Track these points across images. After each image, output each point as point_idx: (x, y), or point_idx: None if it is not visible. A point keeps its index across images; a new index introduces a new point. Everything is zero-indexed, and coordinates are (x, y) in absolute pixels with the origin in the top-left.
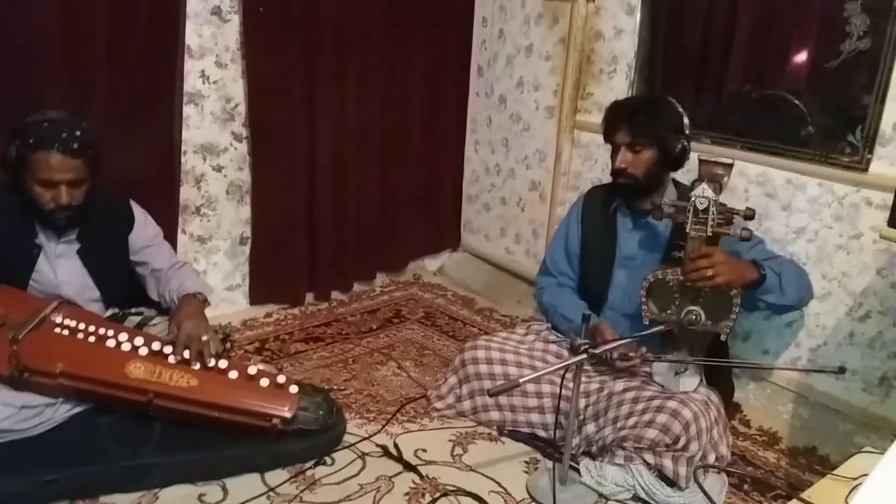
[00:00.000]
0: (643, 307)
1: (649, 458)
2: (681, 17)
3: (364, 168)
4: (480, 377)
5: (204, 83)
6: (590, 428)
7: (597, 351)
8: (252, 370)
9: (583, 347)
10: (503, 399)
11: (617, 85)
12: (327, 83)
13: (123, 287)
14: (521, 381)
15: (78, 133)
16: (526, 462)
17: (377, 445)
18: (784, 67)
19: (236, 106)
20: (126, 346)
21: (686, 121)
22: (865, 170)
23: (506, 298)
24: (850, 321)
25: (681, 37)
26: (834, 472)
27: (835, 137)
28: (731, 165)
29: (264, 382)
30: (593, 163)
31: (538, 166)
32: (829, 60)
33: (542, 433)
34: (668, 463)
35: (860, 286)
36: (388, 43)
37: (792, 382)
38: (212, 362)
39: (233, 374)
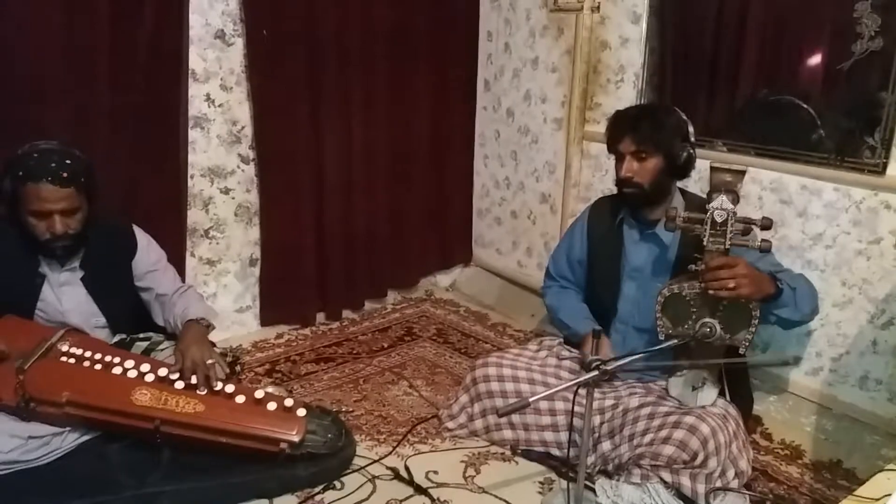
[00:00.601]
0: (658, 322)
1: (666, 476)
2: (690, 25)
3: (372, 185)
4: (492, 395)
5: (209, 106)
6: (605, 446)
7: (609, 368)
8: (259, 394)
9: (594, 364)
10: (516, 417)
11: (625, 94)
12: (333, 102)
13: (129, 312)
14: (530, 399)
15: (68, 162)
16: (540, 482)
17: (387, 468)
18: (795, 71)
19: (242, 128)
20: (132, 373)
21: (691, 128)
22: (883, 172)
23: (519, 312)
24: (873, 329)
25: (690, 44)
26: (856, 492)
27: (853, 140)
28: (743, 173)
29: (272, 406)
30: (603, 173)
31: (548, 178)
32: (840, 62)
33: (556, 452)
34: (685, 481)
35: (882, 292)
36: (393, 60)
37: (814, 394)
38: (218, 386)
39: (240, 399)
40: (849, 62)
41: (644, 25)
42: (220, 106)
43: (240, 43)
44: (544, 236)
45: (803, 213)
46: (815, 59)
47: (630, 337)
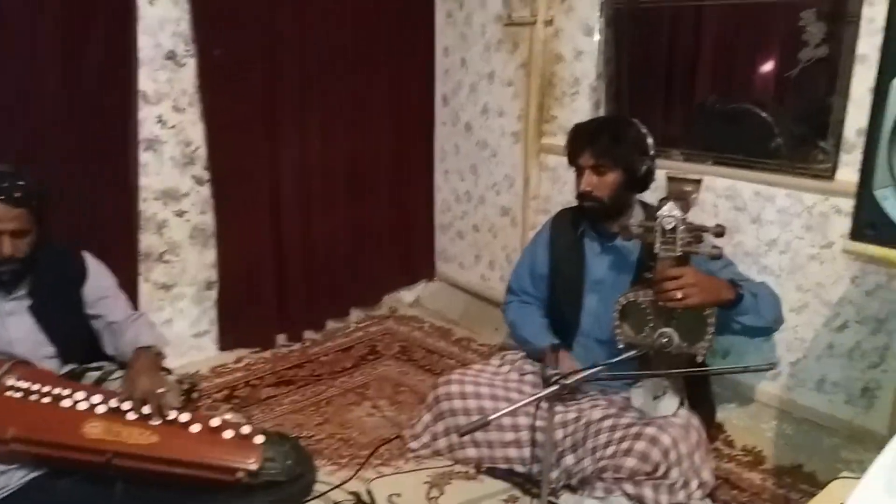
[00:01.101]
0: (617, 330)
1: (629, 488)
2: (645, 36)
3: (332, 204)
4: (455, 413)
5: (162, 128)
6: (569, 460)
7: (568, 382)
8: (215, 422)
9: (553, 378)
10: (479, 435)
11: (580, 106)
12: (289, 121)
13: (80, 342)
14: (490, 417)
15: (21, 183)
16: (505, 500)
17: (349, 493)
18: (747, 79)
19: (196, 149)
20: (83, 406)
21: (650, 141)
22: (832, 177)
23: (483, 326)
24: (829, 332)
25: (646, 55)
26: (811, 501)
27: (806, 146)
28: (699, 182)
29: (228, 434)
30: (562, 185)
31: (507, 192)
32: (788, 70)
33: (520, 468)
34: (648, 493)
35: (835, 296)
36: (349, 78)
37: (774, 399)
38: (173, 415)
39: (195, 428)
40: (796, 69)
41: (597, 38)
42: (172, 127)
43: (192, 63)
44: (505, 249)
45: (757, 219)
46: (767, 67)
47: (592, 349)
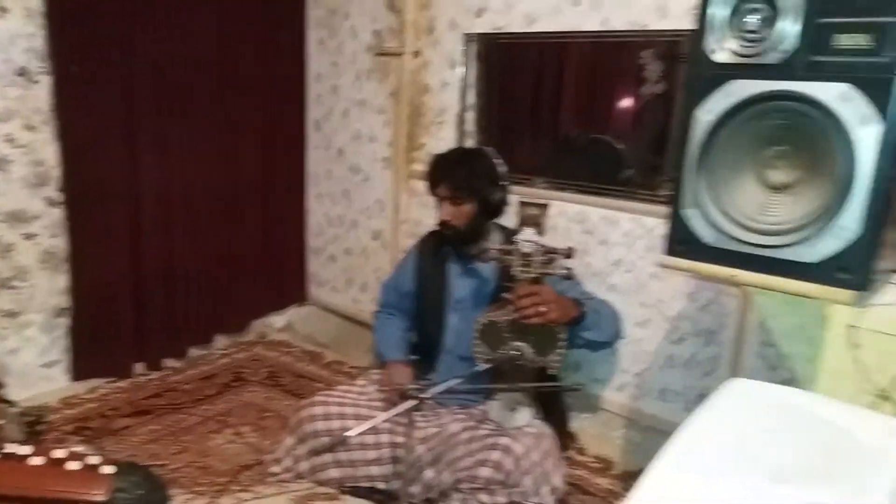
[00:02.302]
0: (476, 349)
1: (484, 498)
2: (512, 71)
3: (196, 227)
4: (318, 435)
5: (11, 147)
6: (429, 474)
7: (424, 396)
8: (59, 453)
9: (410, 392)
10: (343, 455)
11: (446, 135)
12: (151, 141)
13: None
14: (345, 434)
15: None
16: None
17: None
18: (600, 113)
19: (49, 170)
20: None
21: (502, 170)
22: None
23: (354, 349)
24: (669, 345)
25: (514, 89)
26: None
27: (654, 174)
28: (546, 206)
29: (73, 465)
30: (430, 210)
31: (379, 216)
32: (635, 104)
33: (382, 485)
34: (501, 501)
35: (674, 311)
36: (217, 100)
37: (623, 408)
38: (11, 448)
39: (36, 461)
40: (640, 104)
41: (460, 71)
42: (23, 146)
43: (46, 81)
44: (377, 272)
45: (605, 241)
46: (619, 102)
47: (455, 366)
